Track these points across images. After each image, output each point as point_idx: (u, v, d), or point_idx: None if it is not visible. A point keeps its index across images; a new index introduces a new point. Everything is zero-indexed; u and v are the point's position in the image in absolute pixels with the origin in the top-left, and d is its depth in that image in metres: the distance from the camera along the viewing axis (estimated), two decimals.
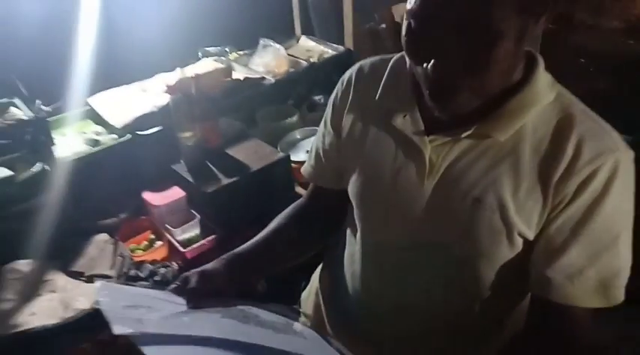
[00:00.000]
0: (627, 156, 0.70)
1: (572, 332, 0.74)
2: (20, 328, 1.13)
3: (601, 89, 2.45)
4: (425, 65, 0.65)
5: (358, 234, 0.88)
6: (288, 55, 1.83)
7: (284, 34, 2.01)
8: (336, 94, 0.89)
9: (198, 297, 0.79)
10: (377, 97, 0.81)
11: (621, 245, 0.71)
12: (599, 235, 0.70)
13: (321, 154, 0.94)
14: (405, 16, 0.66)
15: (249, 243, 0.94)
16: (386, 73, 0.82)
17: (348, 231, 0.92)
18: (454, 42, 0.62)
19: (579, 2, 2.75)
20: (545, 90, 0.72)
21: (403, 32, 0.67)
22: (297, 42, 2.00)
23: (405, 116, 0.77)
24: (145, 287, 1.09)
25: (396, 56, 0.82)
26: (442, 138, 0.74)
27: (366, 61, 0.88)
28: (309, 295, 1.08)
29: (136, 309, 0.71)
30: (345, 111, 0.87)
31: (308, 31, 2.08)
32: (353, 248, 0.90)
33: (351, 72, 0.88)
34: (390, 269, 0.84)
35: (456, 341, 0.86)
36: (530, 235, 0.73)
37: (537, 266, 0.74)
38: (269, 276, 0.99)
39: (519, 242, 0.74)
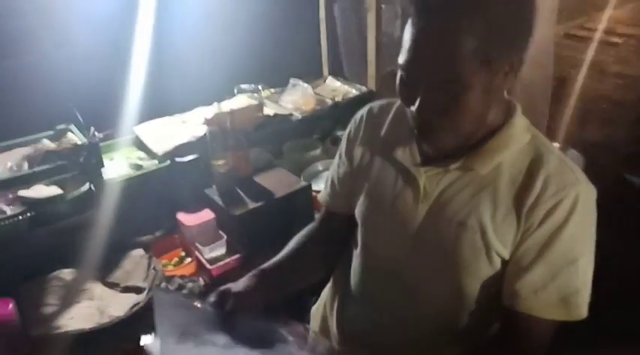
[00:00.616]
0: (587, 191, 0.81)
1: (535, 340, 0.83)
2: (60, 330, 1.24)
3: (624, 136, 2.51)
4: (411, 107, 0.78)
5: (360, 250, 0.99)
6: (315, 93, 1.97)
7: (312, 75, 2.16)
8: (350, 130, 1.03)
9: (235, 317, 0.87)
10: (382, 134, 0.94)
11: (580, 267, 0.81)
12: (560, 257, 0.80)
13: (336, 182, 1.07)
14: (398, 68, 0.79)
15: (273, 262, 1.03)
16: (391, 114, 0.95)
17: (354, 249, 1.03)
18: (433, 90, 0.74)
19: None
20: (521, 133, 0.84)
21: (397, 80, 0.80)
22: (324, 82, 2.15)
23: (404, 150, 0.90)
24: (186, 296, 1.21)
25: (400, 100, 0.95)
26: (435, 169, 0.86)
27: (376, 103, 1.01)
28: (318, 308, 1.17)
29: (185, 342, 0.80)
30: (357, 145, 1.00)
31: (335, 73, 2.23)
32: (356, 262, 1.00)
33: (362, 112, 1.02)
34: (386, 281, 0.94)
35: (449, 350, 0.94)
36: (506, 254, 0.83)
37: (508, 281, 0.84)
38: (291, 291, 1.06)
39: (497, 261, 0.84)
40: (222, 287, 0.92)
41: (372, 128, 0.98)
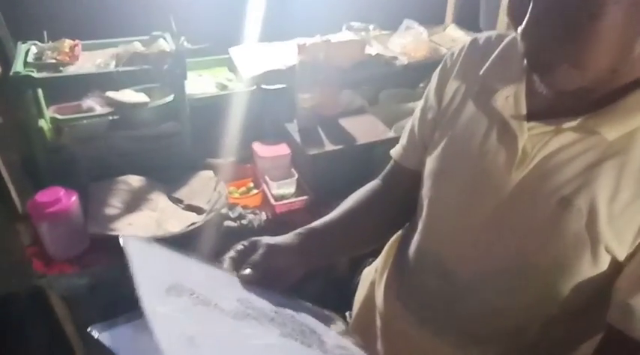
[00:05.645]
0: None
1: None
2: (114, 232, 1.23)
3: None
4: (520, 29, 0.56)
5: (422, 223, 0.79)
6: (430, 40, 1.75)
7: (433, 21, 1.92)
8: (445, 64, 0.80)
9: (259, 274, 0.66)
10: (481, 72, 0.72)
11: None
12: None
13: (416, 130, 0.85)
14: None
15: (325, 220, 0.84)
16: (498, 49, 0.72)
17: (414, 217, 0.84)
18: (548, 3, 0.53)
19: None
20: None
21: None
22: (444, 30, 1.90)
23: (507, 97, 0.67)
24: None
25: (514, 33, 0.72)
26: (542, 127, 0.63)
27: (483, 34, 0.77)
28: (370, 271, 1.01)
29: (179, 296, 0.53)
30: (449, 82, 0.78)
31: (462, 22, 1.96)
32: (412, 237, 0.82)
33: (465, 43, 0.79)
34: (448, 263, 0.75)
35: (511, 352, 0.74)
36: (621, 254, 0.60)
37: (620, 292, 0.61)
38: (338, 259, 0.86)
39: (605, 259, 0.61)
40: (252, 239, 0.72)
41: (471, 64, 0.75)
